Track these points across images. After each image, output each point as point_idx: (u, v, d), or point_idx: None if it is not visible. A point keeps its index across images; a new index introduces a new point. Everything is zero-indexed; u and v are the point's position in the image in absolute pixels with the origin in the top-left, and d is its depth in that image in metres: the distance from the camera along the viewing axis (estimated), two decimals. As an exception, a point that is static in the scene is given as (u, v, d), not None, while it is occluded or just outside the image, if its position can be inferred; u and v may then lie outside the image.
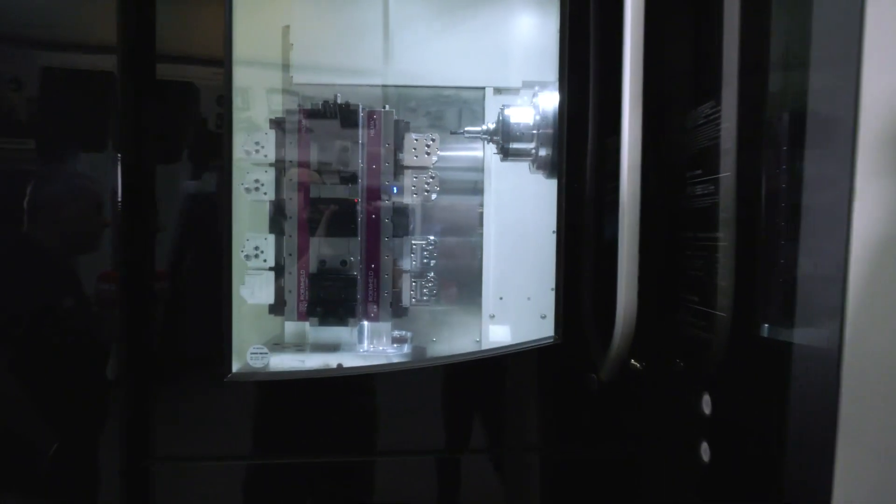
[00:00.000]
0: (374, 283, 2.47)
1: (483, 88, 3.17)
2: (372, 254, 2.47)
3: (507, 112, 2.44)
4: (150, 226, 2.08)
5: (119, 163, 1.96)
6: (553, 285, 3.33)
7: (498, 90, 3.16)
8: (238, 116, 3.04)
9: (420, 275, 2.51)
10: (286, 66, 3.12)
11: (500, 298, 3.21)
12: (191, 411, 2.09)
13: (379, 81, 3.11)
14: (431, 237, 2.53)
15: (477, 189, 3.21)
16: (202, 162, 2.10)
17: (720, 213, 1.78)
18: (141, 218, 2.05)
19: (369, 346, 2.49)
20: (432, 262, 2.52)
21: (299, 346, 2.46)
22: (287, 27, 3.12)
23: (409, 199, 2.49)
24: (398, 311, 2.49)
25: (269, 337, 2.61)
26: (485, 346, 3.13)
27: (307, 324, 2.45)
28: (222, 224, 2.00)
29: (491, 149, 3.16)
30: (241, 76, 3.12)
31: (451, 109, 3.22)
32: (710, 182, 1.84)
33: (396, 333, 2.65)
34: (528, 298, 3.24)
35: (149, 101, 2.03)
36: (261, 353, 2.27)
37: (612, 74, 1.90)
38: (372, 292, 2.47)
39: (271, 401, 2.13)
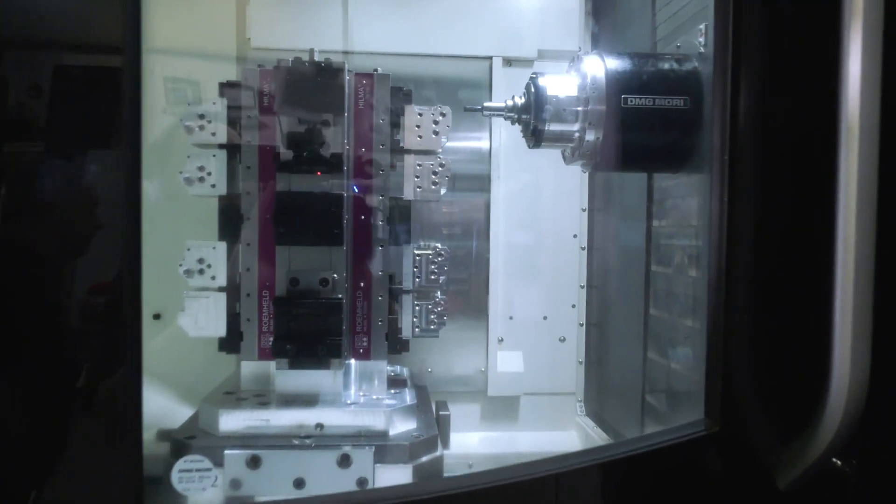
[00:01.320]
0: (364, 309, 1.81)
1: (489, 59, 2.55)
2: (361, 268, 1.81)
3: (541, 82, 1.80)
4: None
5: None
6: (575, 302, 2.80)
7: (508, 61, 2.55)
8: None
9: (425, 295, 1.87)
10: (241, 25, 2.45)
11: (510, 318, 2.60)
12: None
13: (362, 48, 2.46)
14: (439, 245, 1.88)
15: (480, 184, 2.60)
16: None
17: None
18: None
19: (358, 394, 1.83)
20: (441, 279, 1.87)
21: (261, 395, 1.79)
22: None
23: (410, 195, 1.84)
24: (396, 345, 1.86)
25: (218, 381, 1.93)
26: (492, 377, 2.60)
27: (272, 364, 1.78)
28: (129, 229, 1.29)
29: (503, 132, 2.56)
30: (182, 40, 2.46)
31: (448, 86, 2.59)
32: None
33: (391, 371, 2.00)
34: (545, 318, 2.66)
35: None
36: (197, 473, 1.51)
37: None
38: (361, 320, 1.82)
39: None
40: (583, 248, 2.68)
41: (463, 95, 2.61)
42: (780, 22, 1.40)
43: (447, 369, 2.62)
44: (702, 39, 1.73)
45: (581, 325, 2.70)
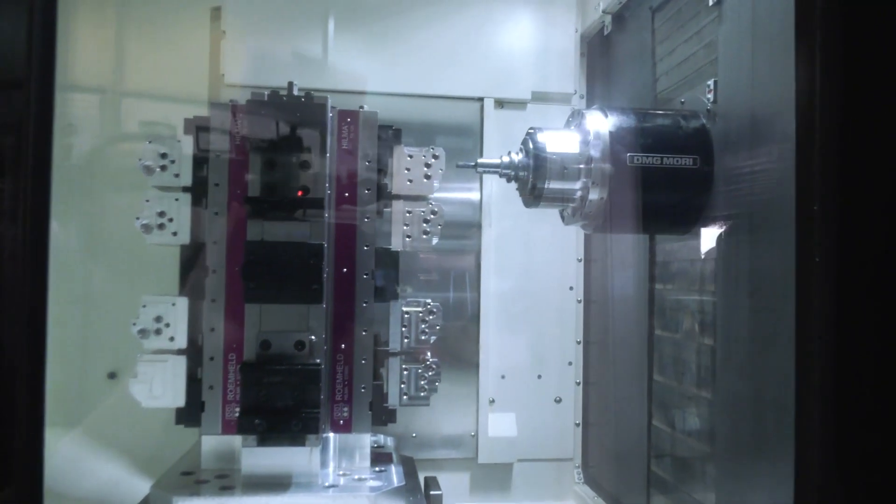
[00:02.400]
0: (345, 374, 1.59)
1: (481, 100, 2.41)
2: (343, 328, 1.60)
3: (540, 138, 1.65)
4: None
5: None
6: (572, 359, 2.51)
7: (500, 103, 2.41)
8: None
9: (414, 357, 1.66)
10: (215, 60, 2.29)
11: (503, 377, 2.40)
12: None
13: (344, 87, 2.31)
14: (430, 301, 1.68)
15: (469, 233, 2.43)
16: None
17: None
18: None
19: (337, 473, 1.59)
20: (433, 339, 1.66)
21: (224, 476, 1.54)
22: (217, 8, 2.28)
23: (399, 245, 1.64)
24: (381, 416, 1.63)
25: (183, 447, 1.69)
26: (483, 442, 2.41)
27: (238, 439, 1.54)
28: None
29: (494, 179, 2.40)
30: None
31: (438, 129, 2.44)
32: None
33: (373, 442, 1.76)
34: (539, 376, 2.45)
35: None
36: None
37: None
38: (342, 388, 1.59)
39: None
40: (579, 301, 2.50)
41: (449, 142, 2.45)
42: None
43: (434, 433, 2.39)
44: (710, 96, 1.65)
45: (578, 383, 2.49)
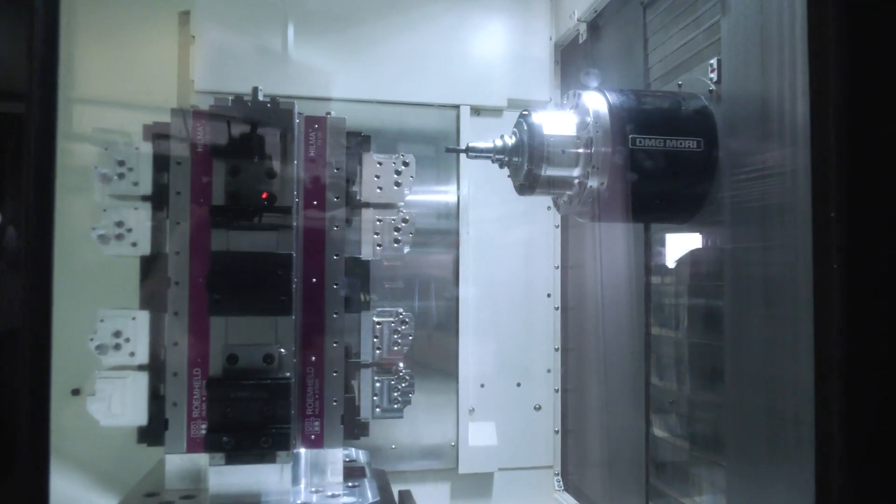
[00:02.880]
0: (316, 388, 1.54)
1: (457, 107, 2.38)
2: (313, 340, 1.55)
3: (535, 119, 1.59)
4: None
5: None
6: (550, 366, 2.44)
7: (476, 110, 2.38)
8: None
9: (386, 369, 1.61)
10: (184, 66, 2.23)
11: (482, 386, 2.36)
12: None
13: (317, 93, 2.26)
14: (402, 310, 1.63)
15: (447, 238, 2.39)
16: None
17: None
18: None
19: (308, 490, 1.53)
20: (405, 349, 1.62)
21: (190, 496, 1.48)
22: (186, 12, 2.22)
23: (369, 254, 1.59)
24: (354, 429, 1.58)
25: (147, 465, 1.62)
26: (464, 452, 2.37)
27: (205, 458, 1.47)
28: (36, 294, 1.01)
29: (471, 183, 2.36)
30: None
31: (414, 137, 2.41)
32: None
33: (346, 455, 1.71)
34: (518, 384, 2.42)
35: None
36: None
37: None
38: (313, 402, 1.54)
39: None
40: (556, 308, 2.47)
41: (427, 149, 2.41)
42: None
43: (413, 444, 2.34)
44: (713, 76, 1.55)
45: (557, 391, 2.46)
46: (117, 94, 2.27)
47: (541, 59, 2.48)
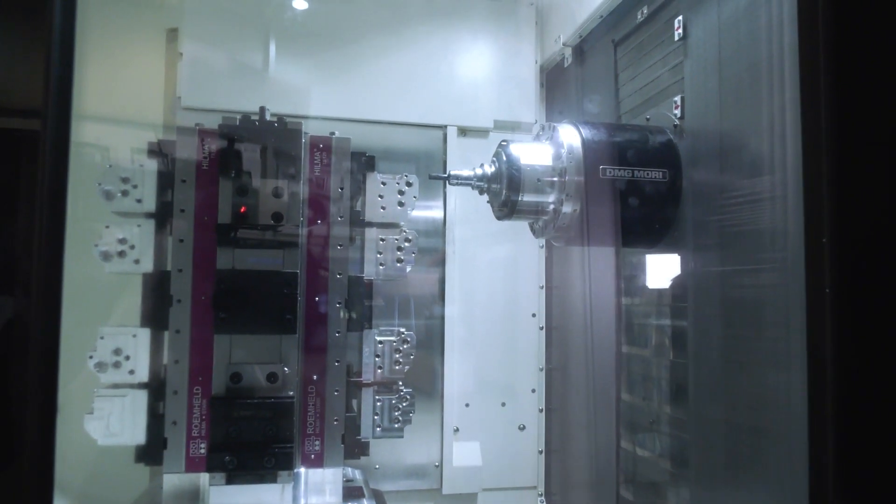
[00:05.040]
0: (317, 407, 1.55)
1: (444, 128, 2.42)
2: (314, 359, 1.55)
3: (513, 150, 1.66)
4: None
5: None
6: (535, 386, 2.50)
7: (463, 130, 2.43)
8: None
9: (387, 388, 1.62)
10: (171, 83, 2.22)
11: (467, 405, 2.38)
12: None
13: (304, 112, 2.27)
14: (403, 329, 1.65)
15: (432, 257, 2.42)
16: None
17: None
18: None
19: (309, 510, 1.53)
20: (406, 368, 1.63)
21: (188, 517, 1.46)
22: (174, 29, 2.22)
23: (372, 273, 1.61)
24: (354, 449, 1.58)
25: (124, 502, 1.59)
26: (448, 472, 2.38)
27: (204, 478, 1.46)
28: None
29: (458, 200, 2.40)
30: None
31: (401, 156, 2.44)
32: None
33: (343, 475, 1.71)
34: (503, 404, 2.44)
35: None
36: None
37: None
38: (314, 421, 1.54)
39: None
40: (541, 328, 2.51)
41: (413, 168, 2.45)
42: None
43: (397, 463, 2.33)
44: (678, 112, 1.69)
45: (541, 410, 2.50)
46: (104, 110, 2.24)
47: (527, 82, 2.55)
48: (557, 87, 2.55)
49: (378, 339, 1.64)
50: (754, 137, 1.42)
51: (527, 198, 1.68)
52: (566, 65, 2.40)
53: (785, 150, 1.31)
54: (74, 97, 2.26)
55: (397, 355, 1.64)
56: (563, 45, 2.36)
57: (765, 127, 1.38)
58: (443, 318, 2.39)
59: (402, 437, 1.65)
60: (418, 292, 2.42)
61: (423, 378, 2.39)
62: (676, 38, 1.69)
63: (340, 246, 1.60)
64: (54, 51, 1.07)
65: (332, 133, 1.66)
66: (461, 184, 1.78)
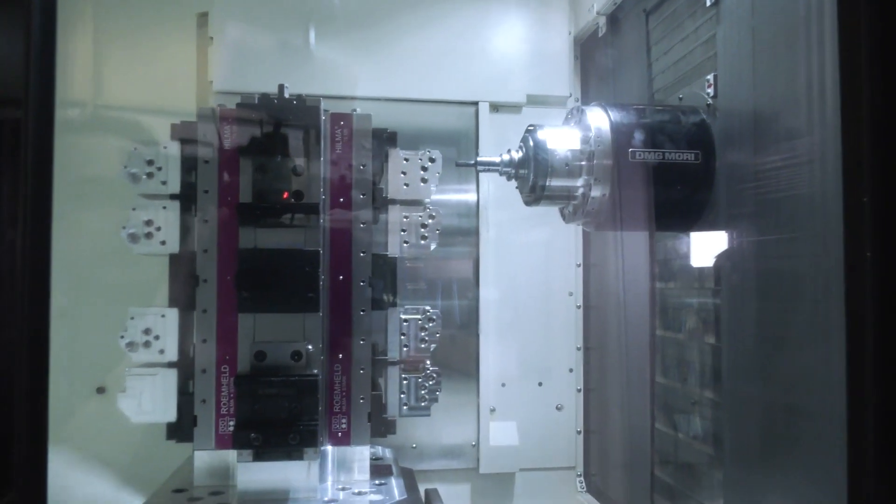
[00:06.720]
0: (343, 385, 1.54)
1: (475, 104, 2.37)
2: (340, 338, 1.55)
3: (540, 135, 1.62)
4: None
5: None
6: (572, 365, 2.43)
7: (495, 106, 2.38)
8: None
9: (413, 366, 1.61)
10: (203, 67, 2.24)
11: (503, 385, 2.35)
12: None
13: (335, 92, 2.26)
14: (429, 307, 1.63)
15: (466, 239, 2.39)
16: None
17: None
18: None
19: (336, 488, 1.53)
20: (433, 347, 1.61)
21: (219, 492, 1.49)
22: (204, 14, 2.23)
23: (396, 251, 1.59)
24: (381, 427, 1.57)
25: (161, 477, 1.62)
26: (485, 452, 2.34)
27: (233, 454, 1.48)
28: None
29: (492, 182, 2.36)
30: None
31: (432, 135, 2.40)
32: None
33: (373, 453, 1.71)
34: (540, 384, 2.40)
35: None
36: None
37: None
38: (340, 399, 1.54)
39: None
40: (578, 307, 2.45)
41: (445, 147, 2.41)
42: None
43: (434, 443, 2.33)
44: (710, 91, 1.63)
45: (579, 390, 2.45)
46: (138, 97, 2.29)
47: (560, 54, 2.47)
48: (592, 58, 2.47)
49: (403, 317, 1.62)
50: (790, 107, 1.33)
51: (555, 182, 1.65)
52: (600, 34, 2.32)
53: (825, 117, 1.22)
54: (112, 85, 2.32)
55: (423, 333, 1.62)
56: (597, 14, 2.28)
57: (801, 93, 1.28)
58: (477, 298, 2.36)
59: (428, 415, 1.63)
60: (452, 274, 2.40)
61: (458, 358, 2.38)
62: (709, 2, 1.60)
63: (363, 224, 1.59)
64: (35, 36, 1.06)
65: (354, 110, 1.64)
66: (488, 170, 1.75)
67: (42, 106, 1.04)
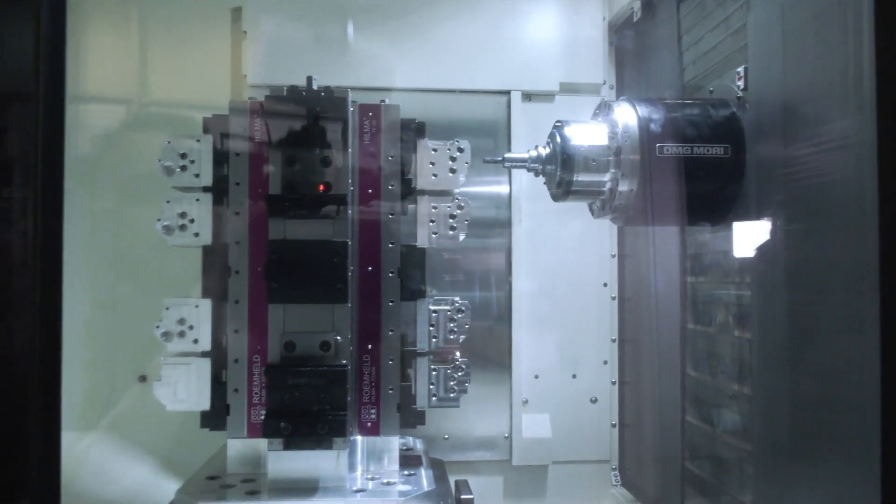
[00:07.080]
0: (372, 375, 1.55)
1: (507, 93, 2.35)
2: (369, 328, 1.55)
3: (567, 131, 1.60)
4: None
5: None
6: (607, 357, 2.38)
7: (527, 95, 2.34)
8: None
9: (442, 358, 1.60)
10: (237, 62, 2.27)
11: (536, 377, 2.33)
12: None
13: (367, 83, 2.26)
14: (458, 299, 1.62)
15: (499, 231, 2.37)
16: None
17: None
18: None
19: (365, 477, 1.54)
20: (461, 339, 1.61)
21: (251, 479, 1.51)
22: (237, 8, 2.26)
23: (425, 241, 1.59)
24: (410, 418, 1.58)
25: (198, 464, 1.65)
26: (517, 444, 2.33)
27: (264, 443, 1.50)
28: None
29: (524, 173, 2.33)
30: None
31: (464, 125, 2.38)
32: None
33: (402, 444, 1.72)
34: (574, 376, 2.38)
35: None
36: None
37: None
38: (369, 390, 1.55)
39: None
40: (613, 298, 2.41)
41: (476, 137, 2.40)
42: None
43: (466, 435, 2.33)
44: (741, 83, 1.59)
45: (614, 383, 2.41)
46: (174, 92, 2.33)
47: (594, 40, 2.42)
48: (627, 44, 2.41)
49: (432, 308, 1.62)
50: (822, 97, 1.28)
51: (581, 178, 1.65)
52: (635, 20, 2.26)
53: (859, 105, 1.16)
54: (149, 81, 2.37)
55: (452, 325, 1.62)
56: (632, -2, 2.23)
57: (836, 82, 1.23)
58: (510, 289, 2.34)
59: (457, 406, 1.63)
60: (485, 265, 2.38)
61: (491, 349, 2.37)
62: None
63: (392, 215, 1.59)
64: (45, 31, 1.07)
65: (383, 101, 1.64)
66: (516, 166, 1.76)
67: (52, 101, 1.06)
